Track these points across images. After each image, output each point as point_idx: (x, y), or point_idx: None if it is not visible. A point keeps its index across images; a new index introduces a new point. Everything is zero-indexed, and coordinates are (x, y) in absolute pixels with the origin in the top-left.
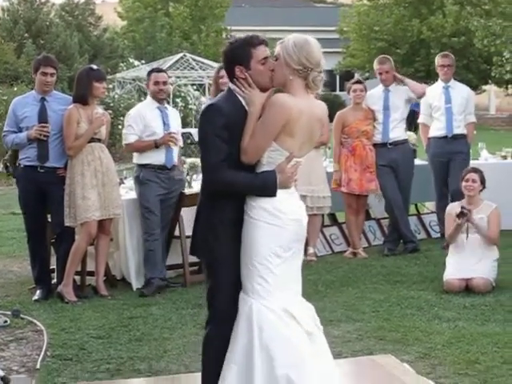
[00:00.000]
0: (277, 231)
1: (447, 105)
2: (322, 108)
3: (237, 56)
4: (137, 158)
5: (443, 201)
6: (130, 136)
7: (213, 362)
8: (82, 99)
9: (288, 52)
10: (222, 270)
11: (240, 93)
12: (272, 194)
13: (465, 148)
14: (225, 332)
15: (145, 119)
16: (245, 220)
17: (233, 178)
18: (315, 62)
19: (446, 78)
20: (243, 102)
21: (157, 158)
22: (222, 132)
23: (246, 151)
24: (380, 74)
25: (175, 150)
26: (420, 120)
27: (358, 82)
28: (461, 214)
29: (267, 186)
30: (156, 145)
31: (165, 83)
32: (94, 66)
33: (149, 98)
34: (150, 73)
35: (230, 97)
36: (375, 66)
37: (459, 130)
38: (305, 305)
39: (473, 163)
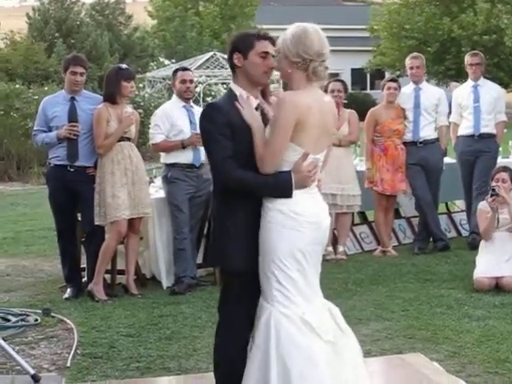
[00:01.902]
0: (293, 235)
1: (475, 104)
2: (329, 99)
3: (238, 43)
4: (164, 158)
5: (471, 199)
6: (157, 136)
7: (222, 365)
8: (110, 98)
9: (286, 44)
10: (234, 271)
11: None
12: (287, 194)
13: (492, 147)
14: (234, 336)
15: (171, 118)
16: (261, 224)
17: (242, 174)
18: (314, 53)
19: (475, 76)
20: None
21: (185, 156)
22: (224, 130)
23: (263, 160)
24: (411, 68)
25: (202, 149)
26: (451, 119)
27: (393, 80)
28: (493, 193)
29: (281, 185)
30: (183, 145)
31: (191, 81)
32: (123, 66)
33: (174, 96)
34: (175, 71)
35: (231, 96)
36: (407, 60)
37: (487, 129)
38: (327, 307)
39: (503, 162)
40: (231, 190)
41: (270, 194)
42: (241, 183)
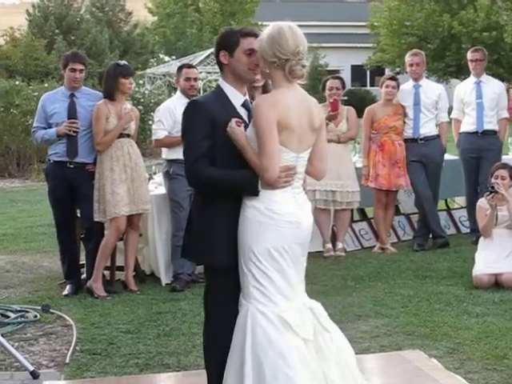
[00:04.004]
0: (270, 233)
1: (478, 100)
2: (310, 97)
3: (224, 41)
4: (166, 154)
5: (473, 196)
6: (159, 132)
7: (212, 363)
8: (109, 95)
9: (262, 45)
10: (215, 267)
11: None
12: (252, 192)
13: (496, 144)
14: (217, 332)
15: (175, 114)
16: (239, 220)
17: (211, 172)
18: (289, 52)
19: (477, 72)
20: (230, 98)
21: None
22: (203, 127)
23: (263, 168)
24: (411, 65)
25: None
26: (452, 115)
27: (393, 78)
28: (492, 191)
29: (246, 184)
30: None
31: (195, 79)
32: (121, 62)
33: (178, 93)
34: (180, 68)
35: (217, 92)
36: (407, 57)
37: (490, 125)
38: (309, 306)
39: (503, 158)
40: (204, 188)
41: (237, 191)
42: (209, 181)
